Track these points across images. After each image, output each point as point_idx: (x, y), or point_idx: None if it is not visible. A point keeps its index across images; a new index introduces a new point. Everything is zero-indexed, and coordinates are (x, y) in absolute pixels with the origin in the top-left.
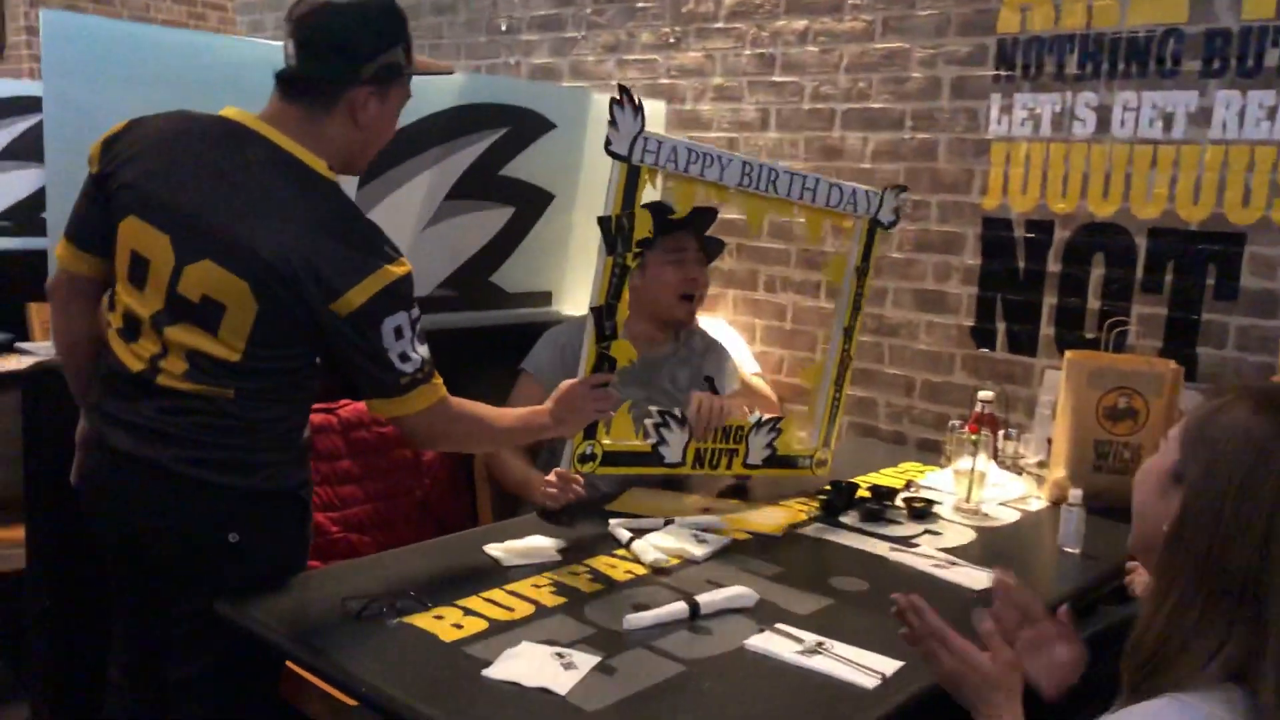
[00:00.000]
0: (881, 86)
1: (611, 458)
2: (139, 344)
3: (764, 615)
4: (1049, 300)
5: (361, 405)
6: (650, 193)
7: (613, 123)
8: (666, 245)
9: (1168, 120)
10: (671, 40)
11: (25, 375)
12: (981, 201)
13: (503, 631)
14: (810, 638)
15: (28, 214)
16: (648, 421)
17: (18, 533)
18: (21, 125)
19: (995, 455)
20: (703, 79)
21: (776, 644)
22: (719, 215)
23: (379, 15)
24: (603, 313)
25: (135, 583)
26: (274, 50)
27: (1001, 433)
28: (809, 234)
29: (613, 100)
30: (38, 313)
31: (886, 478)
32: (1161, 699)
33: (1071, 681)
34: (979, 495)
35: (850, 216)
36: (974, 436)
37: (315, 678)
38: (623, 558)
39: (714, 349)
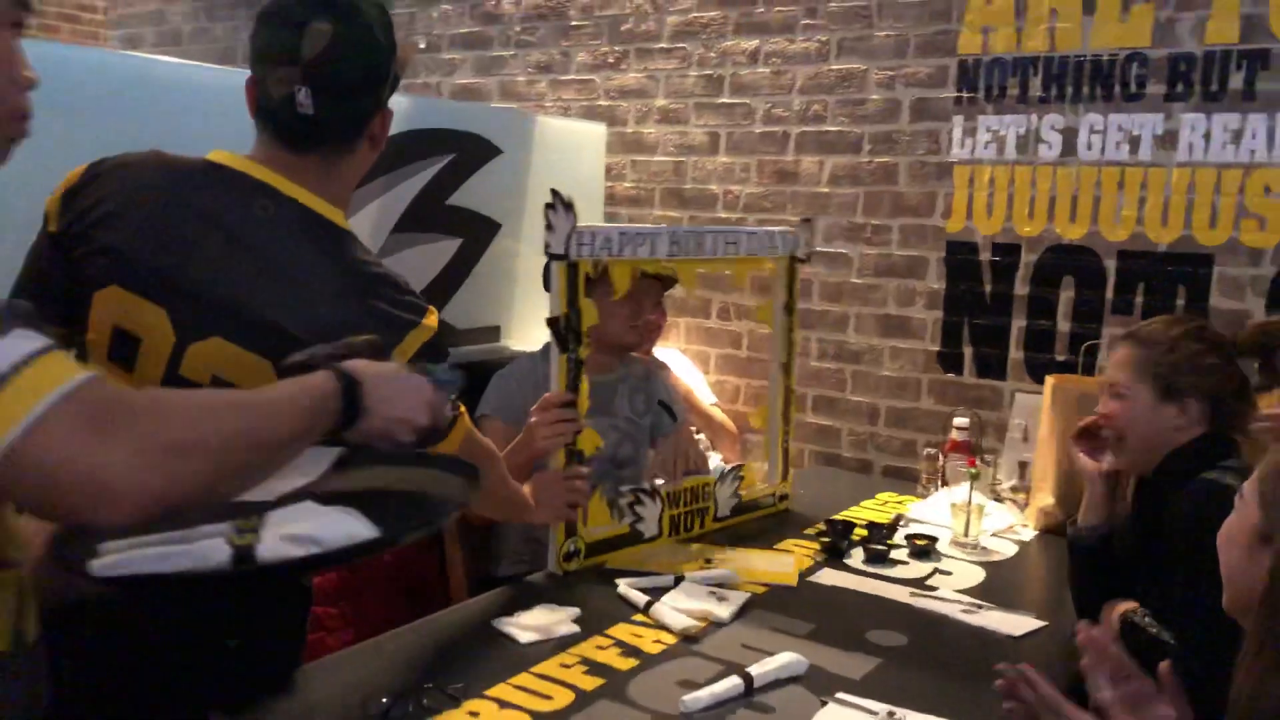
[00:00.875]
0: (838, 109)
1: (594, 548)
2: None
3: (818, 683)
4: (1017, 323)
5: None
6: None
7: (549, 226)
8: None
9: (1134, 143)
10: (610, 60)
11: None
12: (945, 225)
13: None
14: (880, 708)
15: None
16: (622, 502)
17: None
18: None
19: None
20: (645, 100)
21: (850, 719)
22: None
23: (384, 27)
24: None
25: (116, 698)
26: (152, 64)
27: (977, 459)
28: (737, 280)
29: (547, 205)
30: None
31: (870, 510)
32: None
33: None
34: (978, 529)
35: (772, 258)
36: (973, 470)
37: None
38: (645, 624)
39: (655, 368)
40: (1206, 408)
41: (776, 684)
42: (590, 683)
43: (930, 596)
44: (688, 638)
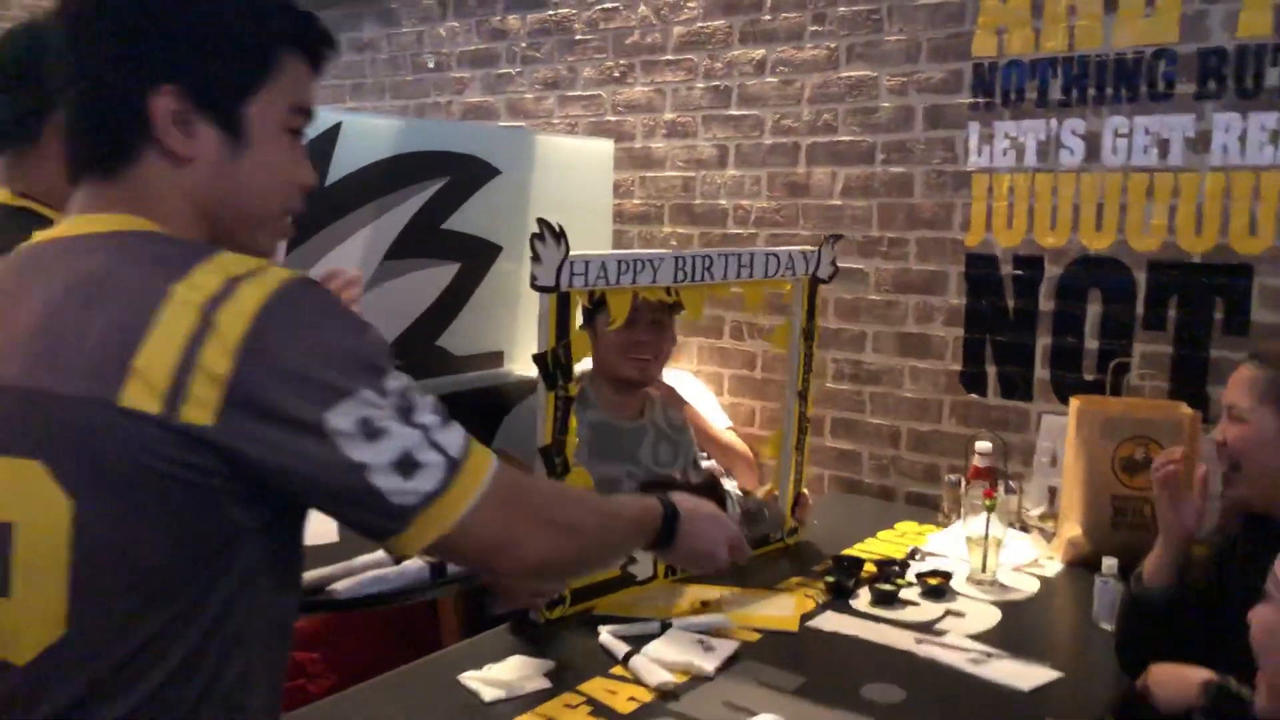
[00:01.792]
0: (849, 118)
1: (582, 592)
2: None
3: None
4: (1043, 340)
5: None
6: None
7: (535, 258)
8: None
9: (1163, 146)
10: (616, 74)
11: None
12: (964, 238)
13: None
14: None
15: None
16: None
17: None
18: None
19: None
20: (653, 114)
21: None
22: None
23: None
24: (551, 451)
25: None
26: None
27: (1002, 486)
28: (748, 304)
29: (534, 236)
30: None
31: (886, 543)
32: None
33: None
34: (995, 564)
35: (789, 280)
36: (989, 501)
37: None
38: (621, 678)
39: (677, 416)
40: None
41: None
42: None
43: (937, 644)
44: (664, 694)
